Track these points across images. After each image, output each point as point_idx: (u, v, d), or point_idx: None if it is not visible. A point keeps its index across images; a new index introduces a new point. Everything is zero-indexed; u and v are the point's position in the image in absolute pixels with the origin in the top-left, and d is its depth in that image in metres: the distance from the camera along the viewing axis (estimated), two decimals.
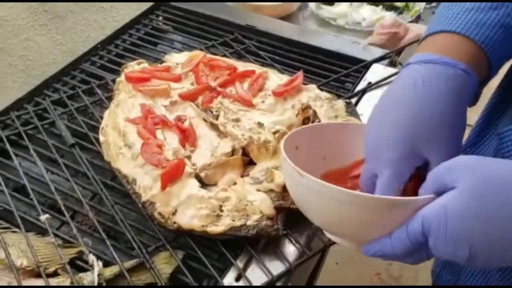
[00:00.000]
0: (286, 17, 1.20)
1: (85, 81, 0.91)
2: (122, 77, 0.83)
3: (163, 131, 0.73)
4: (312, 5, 1.23)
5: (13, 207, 0.67)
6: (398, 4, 1.24)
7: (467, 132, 0.67)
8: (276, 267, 0.62)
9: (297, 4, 1.23)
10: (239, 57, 0.97)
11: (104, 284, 0.60)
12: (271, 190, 0.66)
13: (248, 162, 0.72)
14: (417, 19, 1.23)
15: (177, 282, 0.62)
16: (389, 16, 1.18)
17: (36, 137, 0.79)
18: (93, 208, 0.69)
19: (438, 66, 0.47)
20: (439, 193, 0.41)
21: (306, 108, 0.77)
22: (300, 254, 0.64)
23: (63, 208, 0.67)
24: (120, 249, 0.64)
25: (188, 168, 0.67)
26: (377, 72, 0.92)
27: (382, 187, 0.47)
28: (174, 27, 1.07)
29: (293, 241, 0.65)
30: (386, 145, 0.47)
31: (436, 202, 0.40)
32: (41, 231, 0.66)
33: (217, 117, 0.76)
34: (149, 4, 1.12)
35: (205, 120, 0.76)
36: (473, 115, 0.69)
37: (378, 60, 0.95)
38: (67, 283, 0.59)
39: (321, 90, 0.83)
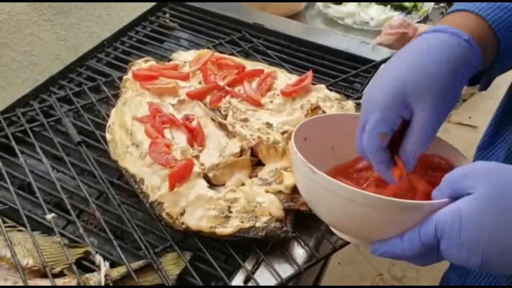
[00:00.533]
0: (293, 16, 1.19)
1: (91, 78, 0.90)
2: (129, 75, 0.82)
3: (171, 130, 0.72)
4: (319, 4, 1.22)
5: (19, 205, 0.66)
6: (407, 4, 1.23)
7: (480, 135, 0.67)
8: (285, 270, 0.61)
9: (304, 3, 1.22)
10: (247, 55, 0.96)
11: (111, 285, 0.59)
12: (280, 192, 0.66)
13: (257, 163, 0.72)
14: (425, 19, 1.22)
15: (184, 283, 0.61)
16: (397, 16, 1.17)
17: (42, 134, 0.78)
18: (100, 207, 0.68)
19: (444, 35, 0.48)
20: (454, 198, 0.41)
21: (315, 108, 0.76)
22: (309, 257, 0.63)
23: (69, 207, 0.66)
24: (126, 249, 0.64)
25: (196, 168, 0.67)
26: None
27: (368, 131, 0.48)
28: (181, 25, 1.06)
29: (302, 244, 0.64)
30: (378, 94, 0.49)
31: (450, 206, 0.40)
32: (47, 230, 0.65)
33: (225, 117, 0.75)
34: (152, 1, 1.11)
35: (213, 119, 0.75)
36: (487, 118, 0.69)
37: (387, 60, 0.93)
38: (74, 284, 0.58)
39: (330, 90, 0.82)
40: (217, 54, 0.88)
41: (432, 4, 1.23)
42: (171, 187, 0.63)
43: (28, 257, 0.60)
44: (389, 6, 1.23)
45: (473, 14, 0.51)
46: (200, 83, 0.81)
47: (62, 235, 0.64)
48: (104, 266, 0.60)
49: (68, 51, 1.26)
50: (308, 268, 0.62)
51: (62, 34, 1.25)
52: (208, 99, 0.78)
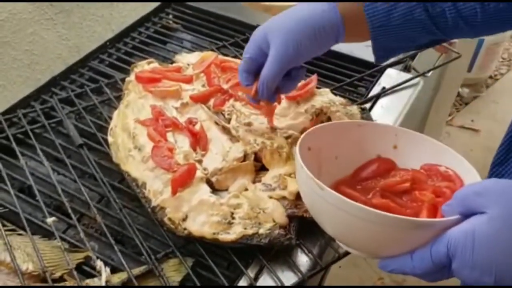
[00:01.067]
0: None
1: (93, 80, 0.89)
2: (131, 77, 0.82)
3: (174, 134, 0.71)
4: None
5: (19, 208, 0.65)
6: None
7: (482, 139, 0.65)
8: (288, 278, 0.60)
9: None
10: None
11: None
12: (284, 198, 0.65)
13: (260, 168, 0.71)
14: None
15: None
16: None
17: (43, 136, 0.78)
18: (101, 211, 0.67)
19: (317, 3, 0.60)
20: (465, 215, 0.40)
21: (319, 113, 0.75)
22: (313, 265, 0.62)
23: (69, 211, 0.66)
24: (127, 255, 0.63)
25: (199, 173, 0.66)
26: (391, 76, 0.91)
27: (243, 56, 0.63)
28: (184, 26, 1.05)
29: (306, 251, 0.63)
30: (254, 33, 0.62)
31: (463, 225, 0.40)
32: (47, 234, 0.64)
33: (229, 120, 0.74)
34: (155, 1, 1.10)
35: (216, 123, 0.74)
36: (489, 121, 0.67)
37: (392, 64, 0.93)
38: None
39: (335, 94, 0.82)
40: (220, 56, 0.87)
41: None
42: (174, 192, 0.62)
43: (28, 262, 0.59)
44: None
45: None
46: (203, 86, 0.80)
47: (62, 239, 0.63)
48: (105, 271, 0.59)
49: (70, 50, 1.25)
50: (312, 276, 0.61)
51: (64, 33, 1.24)
52: (211, 102, 0.77)
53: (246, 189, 0.67)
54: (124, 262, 0.60)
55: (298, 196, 0.64)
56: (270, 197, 0.65)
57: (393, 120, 0.83)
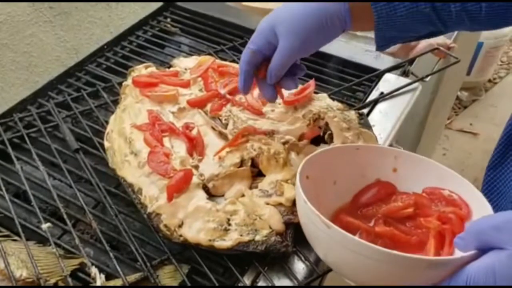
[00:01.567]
0: None
1: (90, 83, 0.88)
2: (128, 81, 0.81)
3: (171, 139, 0.71)
4: None
5: (14, 213, 0.65)
6: None
7: (481, 142, 0.65)
8: (285, 285, 0.60)
9: None
10: None
11: None
12: (281, 204, 0.64)
13: (257, 173, 0.70)
14: None
15: None
16: None
17: (39, 140, 0.77)
18: (96, 216, 0.67)
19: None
20: (481, 250, 0.39)
21: (317, 119, 0.75)
22: (310, 272, 0.62)
23: (65, 216, 0.65)
24: (123, 261, 0.62)
25: (195, 179, 0.65)
26: (389, 81, 0.90)
27: (246, 46, 0.63)
28: (182, 30, 1.05)
29: (302, 258, 0.63)
30: (261, 23, 0.63)
31: (483, 261, 0.39)
32: (42, 240, 0.64)
33: (226, 126, 0.74)
34: (155, 1, 1.10)
35: (213, 128, 0.74)
36: (488, 125, 0.67)
37: (390, 69, 0.93)
38: None
39: (332, 99, 0.81)
40: (218, 61, 0.86)
41: None
42: (169, 199, 0.62)
43: (22, 268, 0.59)
44: None
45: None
46: (201, 90, 0.80)
47: (57, 245, 0.63)
48: (100, 278, 0.59)
49: (68, 52, 1.25)
50: (309, 284, 0.61)
51: (62, 36, 1.23)
52: (208, 107, 0.77)
53: (243, 195, 0.67)
54: (119, 269, 0.60)
55: (295, 203, 0.64)
56: (267, 204, 0.65)
57: (391, 125, 0.82)
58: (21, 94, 0.85)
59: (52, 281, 0.59)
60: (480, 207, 0.47)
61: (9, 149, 0.73)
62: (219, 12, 1.06)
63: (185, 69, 0.84)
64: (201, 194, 0.65)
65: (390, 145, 0.80)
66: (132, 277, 0.59)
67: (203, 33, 1.03)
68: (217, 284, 0.59)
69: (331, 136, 0.72)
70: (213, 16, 1.05)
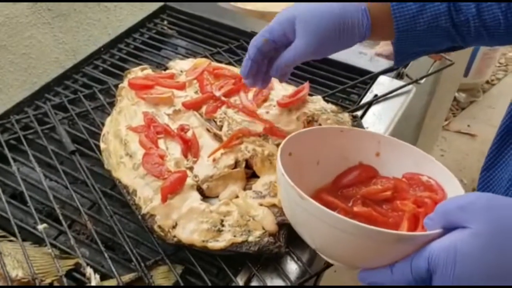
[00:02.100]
0: None
1: (87, 85, 0.89)
2: (125, 83, 0.82)
3: (166, 141, 0.72)
4: None
5: (10, 214, 0.66)
6: None
7: (478, 144, 0.66)
8: (278, 285, 0.61)
9: None
10: None
11: None
12: (274, 205, 0.65)
13: (251, 175, 0.71)
14: None
15: None
16: None
17: (35, 142, 0.78)
18: (92, 217, 0.67)
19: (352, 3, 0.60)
20: (447, 229, 0.40)
21: (311, 120, 0.75)
22: (302, 273, 0.62)
23: (60, 217, 0.66)
24: (118, 261, 0.63)
25: (189, 180, 0.66)
26: (383, 84, 0.91)
27: (260, 32, 0.63)
28: (179, 32, 1.06)
29: (295, 259, 0.63)
30: (281, 14, 0.63)
31: (445, 240, 0.39)
32: (38, 240, 0.65)
33: (220, 127, 0.75)
34: (152, 4, 1.10)
35: (208, 130, 0.75)
36: (485, 126, 0.68)
37: (385, 72, 0.94)
38: None
39: (326, 101, 0.82)
40: (213, 63, 0.87)
41: None
42: (163, 200, 0.63)
43: (18, 269, 0.60)
44: None
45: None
46: (196, 92, 0.80)
47: (53, 245, 0.63)
48: (95, 278, 0.59)
49: (67, 54, 1.25)
50: (301, 284, 0.61)
51: (61, 37, 1.24)
52: (203, 109, 0.78)
53: (237, 196, 0.68)
54: (114, 269, 0.60)
55: None
56: (261, 205, 0.65)
57: (385, 127, 0.83)
58: (19, 96, 0.86)
59: (47, 281, 0.59)
60: (455, 193, 0.48)
61: (6, 151, 0.74)
62: (215, 15, 1.07)
63: (181, 71, 0.85)
64: (195, 195, 0.65)
65: None
66: (127, 277, 0.60)
67: (199, 35, 1.04)
68: (210, 285, 0.60)
69: None
70: (209, 19, 1.06)
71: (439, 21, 0.57)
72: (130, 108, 0.77)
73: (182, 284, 0.60)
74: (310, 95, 0.81)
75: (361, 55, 0.99)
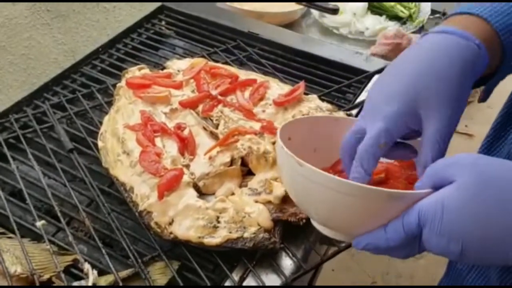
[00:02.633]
0: (289, 25, 1.20)
1: (85, 85, 0.90)
2: (122, 83, 0.83)
3: (162, 139, 0.72)
4: (315, 13, 1.23)
5: (9, 211, 0.67)
6: (402, 14, 1.24)
7: (477, 144, 0.67)
8: (272, 281, 0.62)
9: (301, 12, 1.23)
10: (241, 64, 0.96)
11: None
12: (269, 202, 0.66)
13: (247, 172, 0.72)
14: (421, 30, 1.22)
15: None
16: (392, 27, 1.18)
17: (34, 140, 0.79)
18: (90, 214, 0.68)
19: (453, 37, 0.47)
20: (436, 188, 0.41)
21: None
22: (297, 268, 0.63)
23: (59, 214, 0.67)
24: (115, 258, 0.64)
25: (186, 177, 0.67)
26: None
27: (369, 140, 0.46)
28: (176, 32, 1.07)
29: (290, 255, 0.64)
30: (384, 100, 0.47)
31: (433, 195, 0.40)
32: (37, 237, 0.66)
33: (217, 126, 0.76)
34: (151, 4, 1.11)
35: (205, 128, 0.76)
36: (483, 126, 0.69)
37: (380, 71, 0.94)
38: None
39: (322, 100, 0.83)
40: (210, 63, 0.88)
41: (427, 14, 1.24)
42: (160, 197, 0.64)
43: (17, 265, 0.60)
44: (384, 16, 1.24)
45: (479, 18, 0.49)
46: (193, 91, 0.81)
47: (51, 242, 0.64)
48: (92, 274, 0.60)
49: (66, 55, 1.27)
50: (295, 279, 0.62)
51: (59, 38, 1.25)
52: (200, 108, 0.79)
53: (233, 194, 0.69)
54: (111, 265, 0.61)
55: (283, 200, 0.65)
56: (256, 201, 0.66)
57: None
58: (18, 96, 0.86)
59: (45, 277, 0.60)
60: None
61: (5, 149, 0.75)
62: (213, 15, 1.08)
63: (178, 71, 0.86)
64: (192, 192, 0.66)
65: None
66: (124, 273, 0.61)
67: (197, 35, 1.05)
68: (206, 280, 0.60)
69: None
70: (207, 19, 1.07)
71: None
72: (127, 107, 0.78)
73: (178, 279, 0.61)
74: (306, 94, 0.82)
75: (357, 54, 1.00)
